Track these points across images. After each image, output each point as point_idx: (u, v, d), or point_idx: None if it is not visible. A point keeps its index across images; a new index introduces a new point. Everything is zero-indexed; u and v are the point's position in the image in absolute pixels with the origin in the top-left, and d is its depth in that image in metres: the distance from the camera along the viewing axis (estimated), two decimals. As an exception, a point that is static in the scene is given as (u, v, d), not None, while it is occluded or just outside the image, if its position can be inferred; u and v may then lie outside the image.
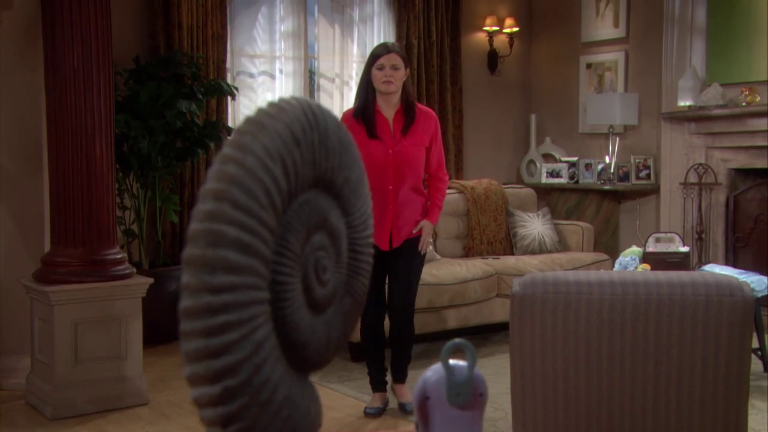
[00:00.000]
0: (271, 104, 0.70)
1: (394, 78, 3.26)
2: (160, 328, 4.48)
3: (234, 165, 0.62)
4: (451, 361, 0.90)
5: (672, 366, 2.01)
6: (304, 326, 0.74)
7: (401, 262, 3.35)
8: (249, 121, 0.67)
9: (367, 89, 3.31)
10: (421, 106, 3.41)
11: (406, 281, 3.39)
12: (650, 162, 5.80)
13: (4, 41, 3.65)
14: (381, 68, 3.26)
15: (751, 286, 3.55)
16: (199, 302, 0.65)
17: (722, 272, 3.70)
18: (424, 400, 0.93)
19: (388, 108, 3.33)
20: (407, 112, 3.32)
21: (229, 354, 0.66)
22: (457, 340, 0.86)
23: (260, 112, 0.68)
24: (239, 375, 0.66)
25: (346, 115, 3.40)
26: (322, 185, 0.71)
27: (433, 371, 0.93)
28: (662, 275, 2.09)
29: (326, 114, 0.74)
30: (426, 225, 3.38)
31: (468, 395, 0.91)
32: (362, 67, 6.76)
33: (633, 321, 2.03)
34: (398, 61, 3.27)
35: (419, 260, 3.43)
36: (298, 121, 0.68)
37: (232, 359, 0.66)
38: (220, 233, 0.64)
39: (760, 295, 3.54)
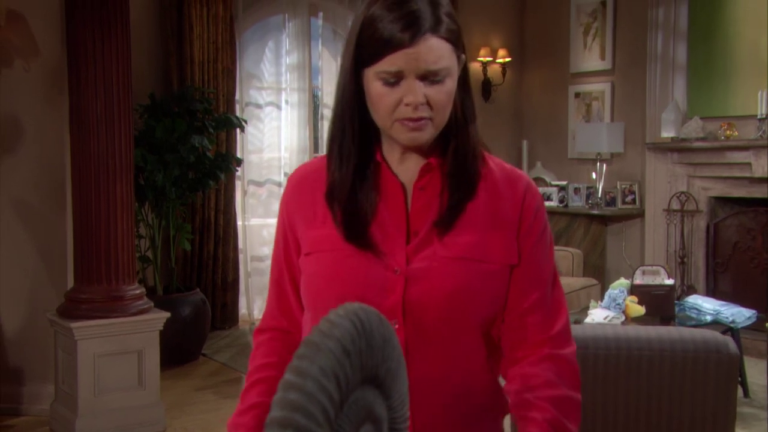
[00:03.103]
0: (324, 320, 0.73)
1: (436, 109, 1.09)
2: (173, 351, 4.52)
3: (295, 392, 0.66)
4: None
5: (662, 417, 2.05)
6: None
7: None
8: (307, 343, 0.70)
9: (352, 117, 1.15)
10: (496, 162, 1.21)
11: None
12: (635, 188, 5.86)
13: (33, 87, 3.69)
14: (392, 82, 1.08)
15: (732, 318, 3.60)
16: None
17: (705, 304, 3.75)
18: None
19: (406, 159, 1.17)
20: (456, 168, 1.16)
21: None
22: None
23: (315, 331, 0.72)
24: None
25: (294, 180, 1.26)
26: (367, 382, 0.75)
27: None
28: (653, 331, 2.13)
29: (369, 314, 0.77)
30: None
31: None
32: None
33: (626, 375, 2.07)
34: (444, 59, 1.08)
35: None
36: (348, 333, 0.72)
37: None
38: None
39: (740, 326, 3.59)
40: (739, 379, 3.86)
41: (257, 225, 5.82)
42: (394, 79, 1.08)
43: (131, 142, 3.46)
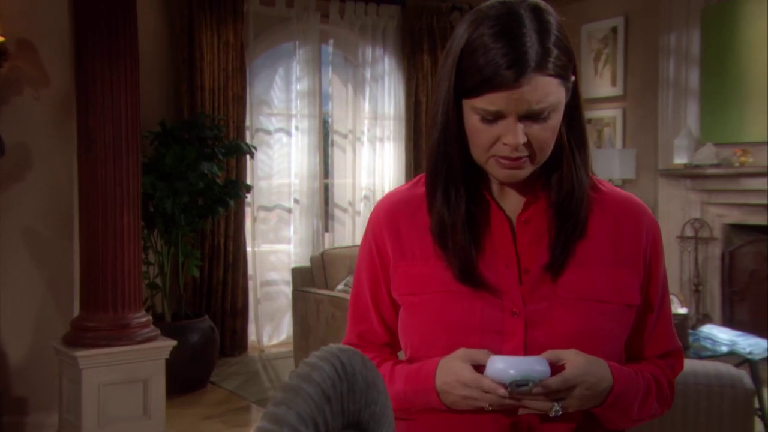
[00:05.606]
0: (303, 363, 0.70)
1: (537, 148, 1.02)
2: (180, 379, 4.48)
3: None
4: None
5: (677, 454, 2.00)
6: None
7: None
8: (284, 388, 0.67)
9: (458, 150, 1.07)
10: (607, 186, 1.18)
11: None
12: (648, 214, 5.80)
13: (42, 116, 3.71)
14: (490, 120, 1.01)
15: (749, 350, 3.53)
16: None
17: (721, 334, 3.68)
18: None
19: (507, 188, 1.12)
20: (561, 202, 1.08)
21: None
22: None
23: (293, 375, 0.69)
24: None
25: (385, 208, 1.17)
26: (349, 427, 0.72)
27: None
28: (665, 364, 2.08)
29: (351, 356, 0.74)
30: (577, 364, 1.00)
31: None
32: (374, 124, 6.78)
33: (638, 410, 2.02)
34: (551, 96, 0.99)
35: None
36: (329, 377, 0.69)
37: None
38: None
39: (758, 358, 3.51)
40: (760, 413, 3.76)
41: (267, 251, 5.81)
42: (492, 118, 1.00)
43: (139, 170, 3.47)
